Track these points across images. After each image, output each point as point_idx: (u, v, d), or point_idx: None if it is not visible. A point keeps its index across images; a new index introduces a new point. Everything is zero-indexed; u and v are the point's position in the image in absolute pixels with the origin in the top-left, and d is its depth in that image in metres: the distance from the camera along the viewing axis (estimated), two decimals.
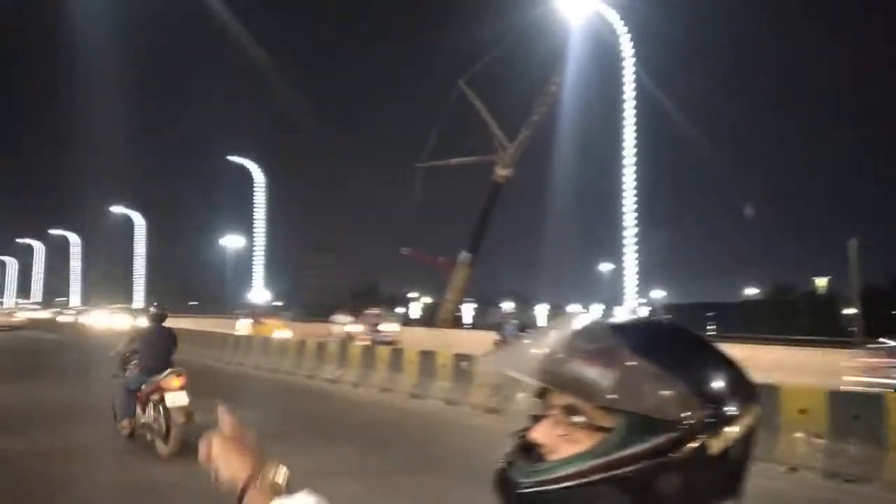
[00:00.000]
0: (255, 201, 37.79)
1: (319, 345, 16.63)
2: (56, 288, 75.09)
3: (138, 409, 8.19)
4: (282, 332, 25.07)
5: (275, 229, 46.04)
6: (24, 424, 9.59)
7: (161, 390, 7.79)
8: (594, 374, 0.79)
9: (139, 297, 53.08)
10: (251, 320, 30.74)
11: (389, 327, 27.56)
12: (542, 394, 0.88)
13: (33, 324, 40.19)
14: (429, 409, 11.92)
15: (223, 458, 1.09)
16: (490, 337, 20.92)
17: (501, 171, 30.44)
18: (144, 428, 8.09)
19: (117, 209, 54.27)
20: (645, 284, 40.56)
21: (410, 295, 76.01)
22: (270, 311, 34.45)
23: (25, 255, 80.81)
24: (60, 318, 44.69)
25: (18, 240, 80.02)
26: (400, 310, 74.02)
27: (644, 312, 47.24)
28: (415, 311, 70.85)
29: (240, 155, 37.46)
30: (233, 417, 1.13)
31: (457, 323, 31.31)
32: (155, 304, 9.15)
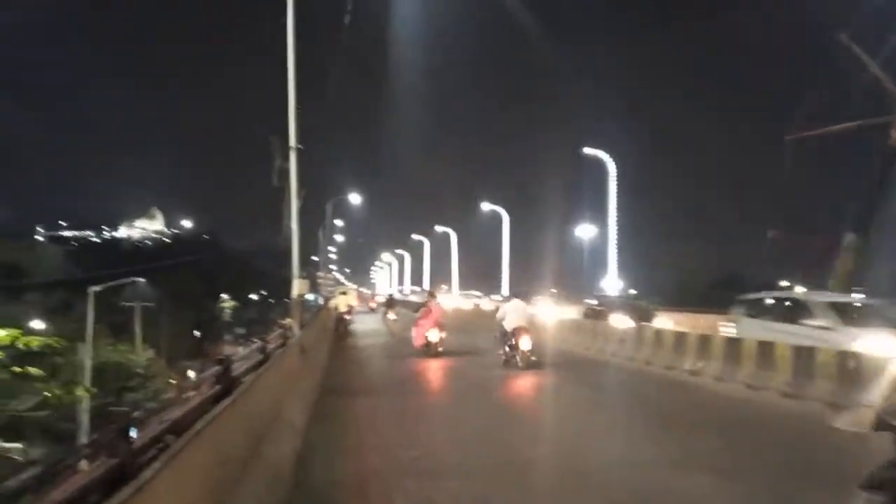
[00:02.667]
0: (609, 190, 38.04)
1: (677, 335, 15.99)
2: (438, 277, 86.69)
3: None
4: None
5: (629, 216, 45.87)
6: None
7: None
8: None
9: (505, 286, 57.73)
10: None
11: None
12: None
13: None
14: (806, 412, 10.51)
15: None
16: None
17: None
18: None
19: (486, 206, 59.66)
20: None
21: (782, 284, 68.42)
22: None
23: (416, 250, 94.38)
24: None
25: (413, 236, 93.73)
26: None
27: None
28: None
29: (594, 146, 38.05)
30: None
31: None
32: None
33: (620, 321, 23.38)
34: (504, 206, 57.22)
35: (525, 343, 15.52)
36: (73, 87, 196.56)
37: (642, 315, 26.42)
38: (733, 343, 13.74)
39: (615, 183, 37.59)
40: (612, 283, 38.19)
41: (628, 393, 13.29)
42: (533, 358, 15.60)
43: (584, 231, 45.53)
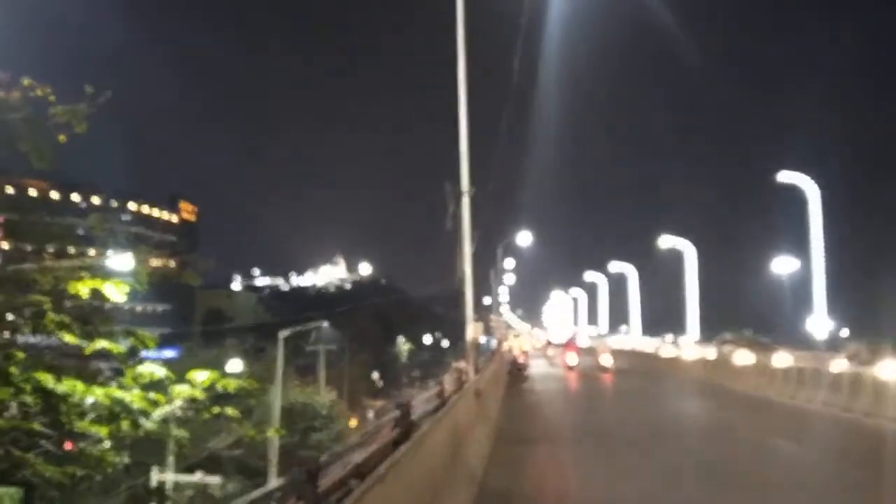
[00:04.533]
0: (811, 220, 33.46)
1: None
2: (617, 317, 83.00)
3: None
4: None
5: (841, 247, 39.79)
6: None
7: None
8: None
9: (693, 326, 53.58)
10: None
11: None
12: None
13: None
14: None
15: None
16: None
17: None
18: None
19: (668, 241, 55.92)
20: None
21: None
22: None
23: (591, 290, 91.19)
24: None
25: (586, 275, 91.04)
26: None
27: None
28: None
29: (793, 171, 33.80)
30: None
31: None
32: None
33: None
34: (691, 242, 53.27)
35: (604, 360, 31.43)
36: (264, 146, 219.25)
37: None
38: None
39: (818, 210, 32.90)
40: (821, 322, 33.31)
41: (844, 450, 11.49)
42: (608, 367, 30.82)
43: (783, 265, 39.62)
